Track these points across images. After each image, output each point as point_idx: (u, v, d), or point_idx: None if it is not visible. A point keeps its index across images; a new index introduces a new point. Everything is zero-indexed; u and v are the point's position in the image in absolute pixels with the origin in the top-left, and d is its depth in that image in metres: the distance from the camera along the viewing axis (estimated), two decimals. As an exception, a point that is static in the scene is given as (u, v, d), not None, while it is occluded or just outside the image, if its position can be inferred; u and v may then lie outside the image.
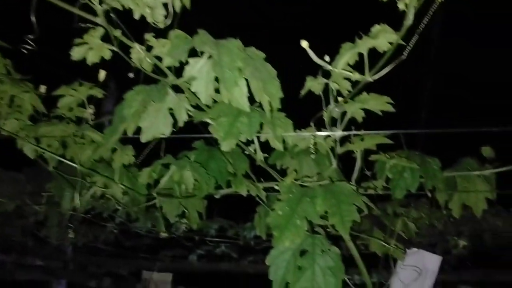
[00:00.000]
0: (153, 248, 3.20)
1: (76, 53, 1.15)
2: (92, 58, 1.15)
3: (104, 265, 3.54)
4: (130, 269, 3.44)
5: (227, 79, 0.98)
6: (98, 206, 2.11)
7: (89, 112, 1.48)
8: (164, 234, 1.85)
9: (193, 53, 1.10)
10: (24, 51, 1.17)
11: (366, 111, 1.38)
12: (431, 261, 2.01)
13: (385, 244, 1.78)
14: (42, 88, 1.43)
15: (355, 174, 1.48)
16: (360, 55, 1.05)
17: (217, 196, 1.78)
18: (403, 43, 0.96)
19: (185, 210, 1.90)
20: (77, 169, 1.48)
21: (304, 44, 0.98)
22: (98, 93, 1.48)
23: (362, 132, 1.29)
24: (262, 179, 1.71)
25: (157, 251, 3.23)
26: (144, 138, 1.24)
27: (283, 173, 1.61)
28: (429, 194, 2.05)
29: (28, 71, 1.46)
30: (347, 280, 1.54)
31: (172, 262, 3.23)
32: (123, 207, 1.97)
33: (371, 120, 1.43)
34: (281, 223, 1.31)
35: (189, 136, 1.36)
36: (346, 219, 1.30)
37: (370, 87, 1.27)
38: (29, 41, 1.17)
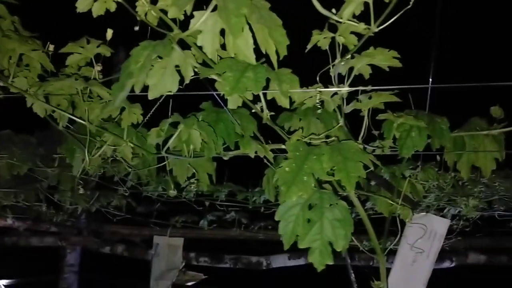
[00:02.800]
0: (164, 214, 3.25)
1: (81, 5, 1.15)
2: (97, 10, 1.15)
3: (117, 231, 3.61)
4: (142, 235, 3.50)
5: (233, 25, 0.97)
6: (109, 169, 2.14)
7: (97, 69, 1.49)
8: (173, 193, 1.86)
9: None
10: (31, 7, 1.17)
11: (374, 69, 1.38)
12: (439, 224, 2.02)
13: (392, 203, 1.79)
14: (50, 46, 1.44)
15: (362, 133, 1.49)
16: (366, 4, 1.04)
17: (225, 158, 1.80)
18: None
19: (196, 173, 1.93)
20: (86, 127, 1.50)
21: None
22: (106, 51, 1.49)
23: (369, 87, 1.28)
24: (270, 141, 1.72)
25: (168, 216, 3.28)
26: (151, 95, 1.25)
27: (291, 135, 1.62)
28: (438, 158, 2.06)
29: (35, 28, 1.46)
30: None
31: (183, 227, 3.28)
32: (133, 170, 2.00)
33: (379, 78, 1.43)
34: (288, 179, 1.33)
35: (197, 94, 1.37)
36: (352, 175, 1.31)
37: (377, 43, 1.26)
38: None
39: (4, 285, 4.07)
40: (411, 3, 0.94)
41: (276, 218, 1.35)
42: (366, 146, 1.56)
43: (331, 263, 1.28)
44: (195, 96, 1.52)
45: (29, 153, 2.04)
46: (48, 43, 1.43)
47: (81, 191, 2.10)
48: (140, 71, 1.13)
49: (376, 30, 1.02)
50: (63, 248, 3.80)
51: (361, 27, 1.05)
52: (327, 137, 1.46)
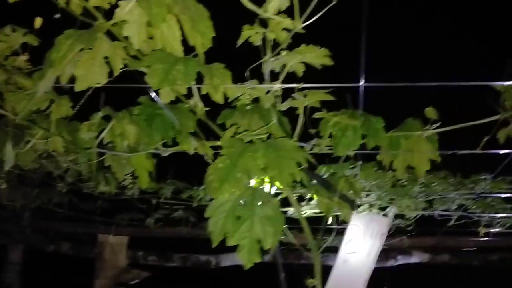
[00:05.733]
0: (110, 211, 3.18)
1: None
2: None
3: (61, 229, 3.51)
4: (87, 232, 3.41)
5: (154, 16, 0.95)
6: (44, 164, 2.07)
7: (22, 59, 1.43)
8: (105, 189, 1.82)
9: None
10: None
11: (310, 67, 1.39)
12: (380, 223, 2.06)
13: (331, 203, 1.81)
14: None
15: (297, 131, 1.49)
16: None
17: (164, 154, 1.77)
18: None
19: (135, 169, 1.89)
20: (14, 120, 1.43)
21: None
22: (32, 40, 1.43)
23: (301, 85, 1.28)
24: (212, 138, 1.70)
25: (113, 214, 3.21)
26: (78, 86, 1.21)
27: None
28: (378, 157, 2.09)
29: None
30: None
31: (129, 225, 3.22)
32: (69, 166, 1.94)
33: (314, 77, 1.43)
34: (221, 175, 1.32)
35: (127, 86, 1.33)
36: (285, 172, 1.31)
37: (313, 41, 1.26)
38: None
39: None
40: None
41: (206, 215, 1.33)
42: (302, 144, 1.57)
43: (259, 261, 1.27)
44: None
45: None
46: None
47: (4, 185, 2.01)
48: (62, 60, 1.09)
49: (301, 26, 1.02)
50: (5, 247, 3.67)
51: (286, 22, 1.05)
52: (263, 132, 1.46)
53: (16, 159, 1.72)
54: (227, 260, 3.58)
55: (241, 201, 1.32)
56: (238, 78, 1.34)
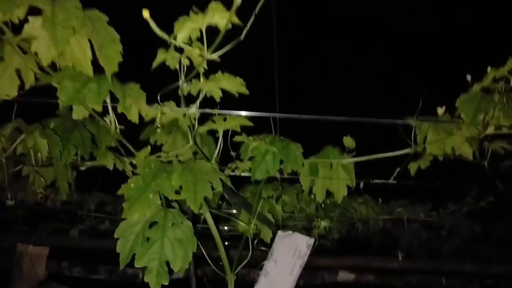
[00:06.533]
0: (31, 221, 3.04)
1: None
2: None
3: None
4: (5, 242, 3.25)
5: (58, 37, 0.94)
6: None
7: None
8: (10, 202, 1.76)
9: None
10: None
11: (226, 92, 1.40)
12: (303, 242, 2.10)
13: (249, 225, 1.83)
14: None
15: (216, 153, 1.50)
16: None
17: (82, 168, 1.73)
18: (238, 21, 0.97)
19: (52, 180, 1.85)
20: None
21: (146, 14, 0.96)
22: None
23: (216, 111, 1.30)
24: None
25: (34, 224, 3.07)
26: (-13, 98, 1.17)
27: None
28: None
29: None
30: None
31: (51, 235, 3.09)
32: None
33: (238, 101, 1.45)
34: (132, 195, 1.30)
35: (38, 101, 1.30)
36: (199, 195, 1.32)
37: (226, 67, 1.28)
38: None
39: None
40: (242, 36, 0.96)
41: (116, 236, 1.31)
42: (221, 167, 1.58)
43: (166, 283, 1.26)
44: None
45: None
46: None
47: None
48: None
49: (211, 55, 1.04)
50: None
51: (195, 52, 1.06)
52: (179, 153, 1.46)
53: None
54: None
55: (152, 222, 1.31)
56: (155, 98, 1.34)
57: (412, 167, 1.76)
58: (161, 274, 1.27)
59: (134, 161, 1.64)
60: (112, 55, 1.04)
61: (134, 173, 1.69)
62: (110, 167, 1.64)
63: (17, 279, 2.96)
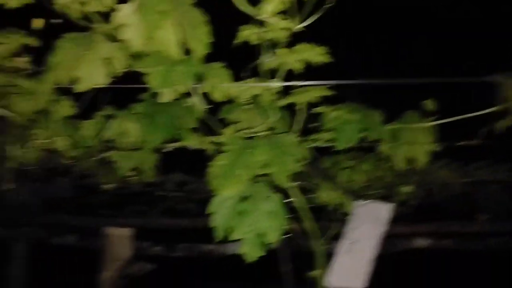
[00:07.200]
0: (114, 204, 3.20)
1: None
2: (12, 2, 1.11)
3: (66, 222, 3.54)
4: (91, 225, 3.44)
5: (149, 22, 0.97)
6: (50, 161, 2.09)
7: (23, 61, 1.44)
8: (111, 185, 1.85)
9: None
10: None
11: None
12: (382, 210, 2.08)
13: (333, 194, 1.83)
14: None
15: (298, 126, 1.50)
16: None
17: (167, 150, 1.79)
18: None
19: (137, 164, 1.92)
20: (17, 121, 1.46)
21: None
22: (33, 41, 1.44)
23: (299, 83, 1.30)
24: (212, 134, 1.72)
25: (117, 206, 3.23)
26: (79, 88, 1.23)
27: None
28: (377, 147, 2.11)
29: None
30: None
31: (133, 217, 3.24)
32: (75, 162, 1.97)
33: (314, 71, 1.44)
34: (222, 172, 1.34)
35: (128, 87, 1.35)
36: (286, 168, 1.33)
37: (309, 36, 1.27)
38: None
39: None
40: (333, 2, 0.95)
41: (209, 211, 1.35)
42: (303, 138, 1.59)
43: (262, 254, 1.30)
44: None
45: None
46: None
47: (10, 182, 2.03)
48: (64, 63, 1.11)
49: (299, 26, 1.03)
50: (10, 240, 3.70)
51: (281, 25, 1.06)
52: (263, 129, 1.48)
53: (21, 157, 1.75)
54: (231, 250, 3.62)
55: (243, 197, 1.34)
56: (238, 76, 1.36)
57: (498, 125, 1.68)
58: (256, 245, 1.31)
59: (215, 140, 1.68)
60: (202, 37, 1.06)
61: (218, 152, 1.74)
62: (195, 147, 1.68)
63: (105, 260, 3.14)
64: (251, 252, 1.30)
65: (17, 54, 1.44)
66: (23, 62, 1.44)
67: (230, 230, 1.32)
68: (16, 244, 3.72)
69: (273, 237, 1.32)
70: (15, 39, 1.42)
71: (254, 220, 1.33)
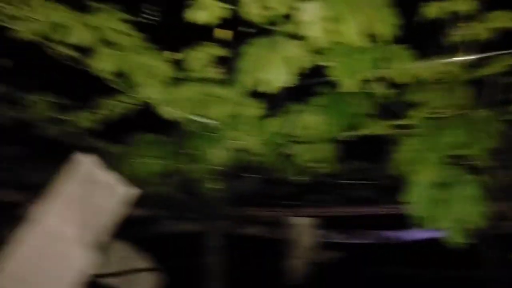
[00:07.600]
0: (295, 195, 3.32)
1: (190, 15, 1.23)
2: (204, 17, 1.22)
3: (252, 215, 3.77)
4: (277, 216, 3.62)
5: (338, 13, 0.97)
6: (239, 159, 2.26)
7: (214, 71, 1.57)
8: (295, 177, 1.92)
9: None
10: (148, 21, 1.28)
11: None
12: None
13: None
14: (171, 54, 1.55)
15: (487, 99, 1.38)
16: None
17: (345, 139, 1.79)
18: None
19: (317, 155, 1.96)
20: (213, 125, 1.60)
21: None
22: (221, 52, 1.56)
23: (493, 54, 1.19)
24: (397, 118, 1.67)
25: (298, 197, 3.34)
26: (265, 88, 1.29)
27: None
28: None
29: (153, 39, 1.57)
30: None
31: (314, 207, 3.33)
32: (261, 158, 2.09)
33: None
34: (411, 158, 1.30)
35: (312, 83, 1.38)
36: (482, 147, 1.24)
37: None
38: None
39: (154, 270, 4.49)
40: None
41: (406, 199, 1.31)
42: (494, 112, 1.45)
43: (465, 241, 1.22)
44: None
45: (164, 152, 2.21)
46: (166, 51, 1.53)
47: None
48: (253, 67, 1.18)
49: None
50: (205, 233, 4.08)
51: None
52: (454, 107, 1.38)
53: (215, 158, 1.91)
54: (407, 236, 3.51)
55: (438, 183, 1.27)
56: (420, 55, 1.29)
57: None
58: (459, 233, 1.24)
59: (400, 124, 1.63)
60: (387, 19, 1.03)
61: (404, 136, 1.68)
62: (376, 133, 1.65)
63: (290, 248, 3.29)
64: (453, 238, 1.24)
65: (209, 64, 1.58)
66: (215, 71, 1.58)
67: (430, 218, 1.26)
68: (211, 236, 4.09)
69: (475, 222, 1.24)
70: (208, 51, 1.56)
71: (454, 207, 1.25)
